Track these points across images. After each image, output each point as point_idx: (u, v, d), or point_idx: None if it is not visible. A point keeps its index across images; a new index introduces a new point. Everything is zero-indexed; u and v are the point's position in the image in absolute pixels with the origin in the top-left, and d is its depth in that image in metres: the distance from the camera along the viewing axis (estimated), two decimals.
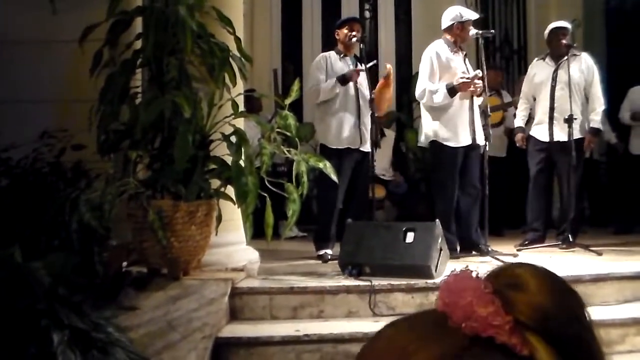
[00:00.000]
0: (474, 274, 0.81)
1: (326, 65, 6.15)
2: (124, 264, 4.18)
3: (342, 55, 6.22)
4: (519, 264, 0.83)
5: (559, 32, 6.69)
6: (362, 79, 6.08)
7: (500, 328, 0.75)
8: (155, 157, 4.29)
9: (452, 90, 5.89)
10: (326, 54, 6.30)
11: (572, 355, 0.78)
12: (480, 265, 5.17)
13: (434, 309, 0.80)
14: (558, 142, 6.54)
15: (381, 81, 6.09)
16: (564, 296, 0.80)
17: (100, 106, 4.17)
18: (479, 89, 5.89)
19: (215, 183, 4.42)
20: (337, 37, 6.27)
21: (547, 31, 6.88)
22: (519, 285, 0.79)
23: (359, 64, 6.17)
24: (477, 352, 0.75)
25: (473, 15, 6.15)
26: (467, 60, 6.16)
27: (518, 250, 6.30)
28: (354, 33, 6.12)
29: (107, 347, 2.38)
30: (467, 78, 5.86)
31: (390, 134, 8.98)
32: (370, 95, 5.92)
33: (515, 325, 0.75)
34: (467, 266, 0.84)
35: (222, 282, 4.37)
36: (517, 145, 6.98)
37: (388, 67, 6.19)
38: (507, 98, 8.19)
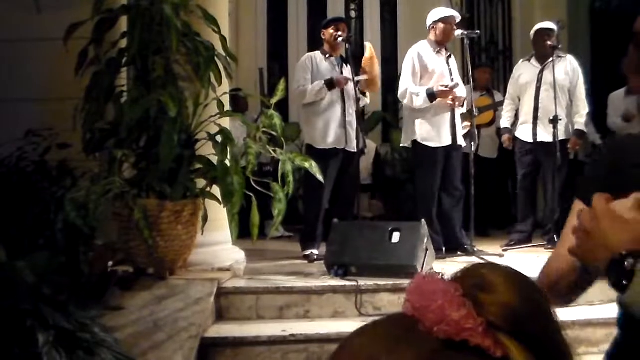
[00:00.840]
0: (441, 277, 0.80)
1: (312, 65, 6.14)
2: (110, 263, 4.17)
3: (327, 56, 6.22)
4: (481, 264, 0.83)
5: (544, 33, 6.73)
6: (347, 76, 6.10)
7: (473, 331, 0.75)
8: (140, 156, 4.28)
9: (432, 96, 5.92)
10: (312, 54, 6.30)
11: (544, 353, 0.78)
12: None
13: (402, 313, 0.79)
14: (542, 143, 6.57)
15: (366, 57, 6.10)
16: (530, 294, 0.80)
17: (86, 105, 4.16)
18: (457, 102, 5.92)
19: (201, 183, 4.41)
20: (323, 37, 6.26)
21: (532, 32, 6.91)
22: (486, 286, 0.78)
23: (344, 64, 6.17)
24: (450, 356, 0.74)
25: (456, 15, 6.17)
26: (451, 60, 6.15)
27: (504, 250, 6.32)
28: (339, 33, 6.12)
29: (92, 348, 2.37)
30: (446, 86, 5.88)
31: (371, 146, 8.97)
32: (356, 94, 5.94)
33: (487, 327, 0.75)
34: (432, 268, 0.84)
35: (208, 282, 4.35)
36: (504, 146, 7.00)
37: (368, 45, 6.22)
38: (499, 97, 8.19)
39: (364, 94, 6.19)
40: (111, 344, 2.37)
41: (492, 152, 7.97)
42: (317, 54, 6.25)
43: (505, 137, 6.93)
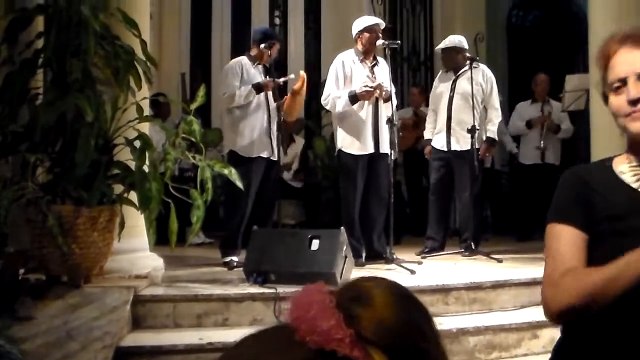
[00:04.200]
0: (323, 288, 0.82)
1: (241, 71, 6.10)
2: (21, 271, 4.04)
3: (256, 63, 6.18)
4: (369, 277, 0.85)
5: (452, 51, 6.83)
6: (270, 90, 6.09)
7: (341, 341, 0.76)
8: (55, 160, 4.17)
9: (353, 98, 5.95)
10: (240, 60, 6.24)
11: None
12: (386, 273, 5.24)
13: (285, 323, 0.81)
14: (455, 151, 6.68)
15: (297, 86, 6.07)
16: (409, 310, 0.82)
17: None
18: (380, 92, 5.95)
19: (119, 188, 4.33)
20: (255, 46, 6.18)
21: (438, 51, 7.06)
22: (364, 299, 0.80)
23: (267, 75, 6.15)
24: None
25: (381, 22, 6.22)
26: (377, 68, 6.17)
27: (422, 257, 6.39)
28: (272, 54, 6.13)
29: None
30: (370, 87, 5.92)
31: (299, 141, 9.01)
32: (276, 102, 5.94)
33: (357, 339, 0.76)
34: (323, 281, 0.85)
35: (124, 290, 4.27)
36: (426, 156, 7.07)
37: (302, 73, 6.18)
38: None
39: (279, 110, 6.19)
40: (16, 356, 2.28)
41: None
42: (245, 60, 6.20)
43: (427, 148, 7.00)
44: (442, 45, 6.96)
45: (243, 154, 6.01)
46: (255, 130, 6.02)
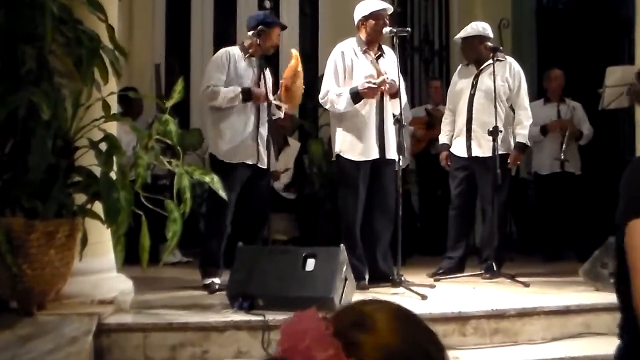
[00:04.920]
0: (317, 315, 0.82)
1: (228, 63, 6.08)
2: None
3: (247, 55, 6.15)
4: (369, 300, 0.86)
5: (475, 41, 6.81)
6: (262, 85, 6.05)
7: None
8: (5, 165, 4.17)
9: (355, 96, 5.93)
10: (229, 49, 6.21)
11: None
12: (392, 298, 5.22)
13: (275, 355, 0.83)
14: (477, 158, 6.65)
15: (290, 67, 6.05)
16: (416, 336, 0.82)
17: None
18: (387, 88, 5.92)
19: (81, 198, 4.33)
20: (251, 34, 6.16)
21: (458, 41, 7.02)
22: (366, 325, 0.81)
23: (264, 70, 6.11)
24: None
25: (388, 7, 6.20)
26: (383, 60, 6.16)
27: (435, 280, 6.37)
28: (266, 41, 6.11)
29: None
30: (374, 83, 5.91)
31: (294, 144, 8.99)
32: (269, 101, 5.92)
33: None
34: (315, 307, 0.85)
35: (86, 318, 4.25)
36: (442, 165, 7.03)
37: (294, 52, 6.17)
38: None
39: (279, 108, 6.17)
40: None
41: None
42: (236, 50, 6.18)
43: (443, 154, 6.95)
44: (462, 33, 6.94)
45: (224, 159, 6.00)
46: (239, 133, 6.01)
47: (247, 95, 5.95)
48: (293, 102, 6.23)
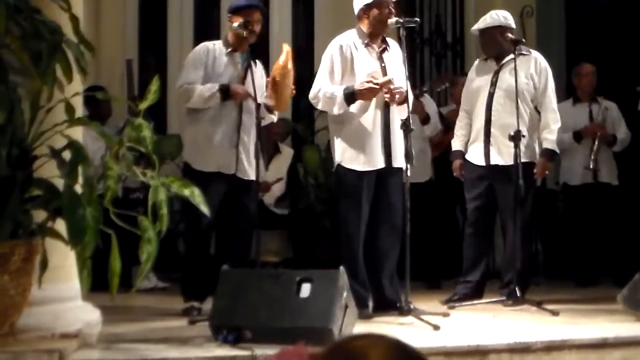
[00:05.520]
0: (304, 351, 0.84)
1: (207, 59, 6.11)
2: None
3: (229, 50, 6.17)
4: (362, 335, 0.87)
5: (495, 32, 6.80)
6: (249, 84, 6.02)
7: None
8: None
9: (349, 97, 5.92)
10: (209, 44, 6.27)
11: None
12: (400, 329, 5.20)
13: None
14: (497, 166, 6.63)
15: (279, 64, 6.04)
16: None
17: None
18: (397, 95, 5.92)
19: (40, 215, 4.30)
20: (229, 22, 6.19)
21: (476, 30, 7.00)
22: None
23: (252, 64, 6.10)
24: None
25: None
26: (388, 55, 6.17)
27: (449, 307, 6.36)
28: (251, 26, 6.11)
29: None
30: (375, 83, 5.89)
31: (286, 152, 8.98)
32: (256, 102, 5.90)
33: None
34: (304, 341, 0.86)
35: (45, 355, 4.21)
36: (455, 174, 7.01)
37: (286, 47, 6.16)
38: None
39: (269, 111, 6.16)
40: None
41: (419, 174, 7.95)
42: (218, 45, 6.23)
43: (456, 163, 6.94)
44: (480, 24, 6.94)
45: (196, 166, 6.03)
46: (216, 138, 6.03)
47: (226, 93, 5.98)
48: (280, 105, 6.20)
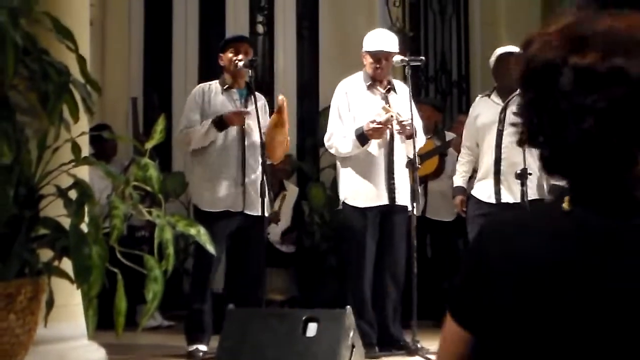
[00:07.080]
0: None
1: (202, 101, 6.13)
2: None
3: (225, 87, 6.20)
4: None
5: (509, 60, 6.80)
6: (252, 120, 6.07)
7: None
8: None
9: (361, 137, 5.98)
10: (205, 85, 6.30)
11: None
12: None
13: None
14: (507, 204, 6.61)
15: (272, 117, 6.09)
16: None
17: None
18: (407, 128, 5.95)
19: (47, 254, 4.30)
20: (220, 62, 6.27)
21: (493, 58, 6.99)
22: None
23: (250, 97, 6.15)
24: None
25: (390, 50, 6.23)
26: (393, 96, 6.20)
27: None
28: (240, 57, 6.13)
29: None
30: (378, 122, 5.92)
31: (292, 190, 9.00)
32: (261, 140, 5.92)
33: None
34: None
35: None
36: (456, 210, 7.01)
37: (280, 98, 6.18)
38: (450, 137, 8.24)
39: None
40: None
41: (446, 212, 7.98)
42: (214, 84, 6.26)
43: (458, 199, 6.91)
44: (498, 52, 6.91)
45: (203, 207, 6.03)
46: (221, 179, 6.04)
47: (219, 123, 5.98)
48: (272, 154, 6.22)
